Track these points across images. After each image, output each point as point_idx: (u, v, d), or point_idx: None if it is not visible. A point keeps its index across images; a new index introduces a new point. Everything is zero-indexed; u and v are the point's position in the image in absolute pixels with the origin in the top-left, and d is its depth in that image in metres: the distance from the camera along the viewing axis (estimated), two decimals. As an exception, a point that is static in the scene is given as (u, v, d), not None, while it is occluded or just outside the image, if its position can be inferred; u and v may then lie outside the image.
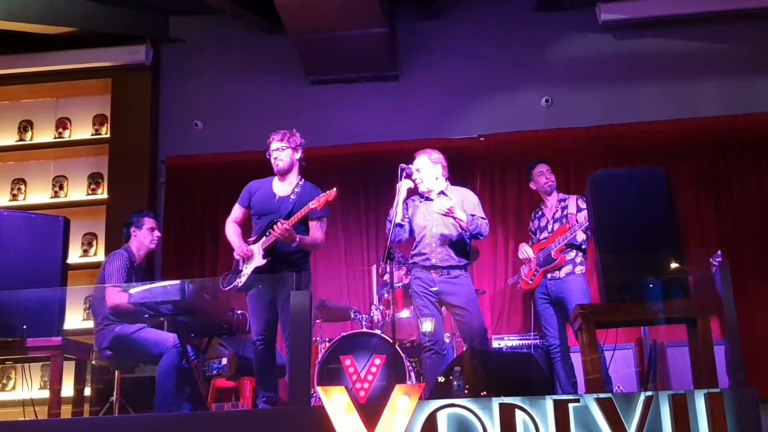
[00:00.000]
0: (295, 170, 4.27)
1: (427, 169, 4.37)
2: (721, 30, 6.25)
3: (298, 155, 4.25)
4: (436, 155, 4.43)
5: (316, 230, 4.14)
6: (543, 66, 6.42)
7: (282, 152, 4.19)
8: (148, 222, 4.64)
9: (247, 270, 4.14)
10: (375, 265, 5.65)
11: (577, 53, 6.41)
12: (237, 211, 4.34)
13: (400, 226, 4.31)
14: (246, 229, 4.37)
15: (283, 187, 4.24)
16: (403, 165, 4.26)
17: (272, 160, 4.22)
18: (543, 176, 4.92)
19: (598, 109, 6.24)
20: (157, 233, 4.68)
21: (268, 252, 4.10)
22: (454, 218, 4.22)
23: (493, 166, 6.27)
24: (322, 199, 3.99)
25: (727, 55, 6.25)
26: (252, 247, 4.19)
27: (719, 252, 3.43)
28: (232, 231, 4.29)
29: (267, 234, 4.12)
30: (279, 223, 4.01)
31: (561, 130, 6.18)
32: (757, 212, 5.87)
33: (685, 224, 5.63)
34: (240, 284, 4.15)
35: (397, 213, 4.21)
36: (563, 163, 6.07)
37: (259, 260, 4.10)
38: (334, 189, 4.01)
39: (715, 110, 6.08)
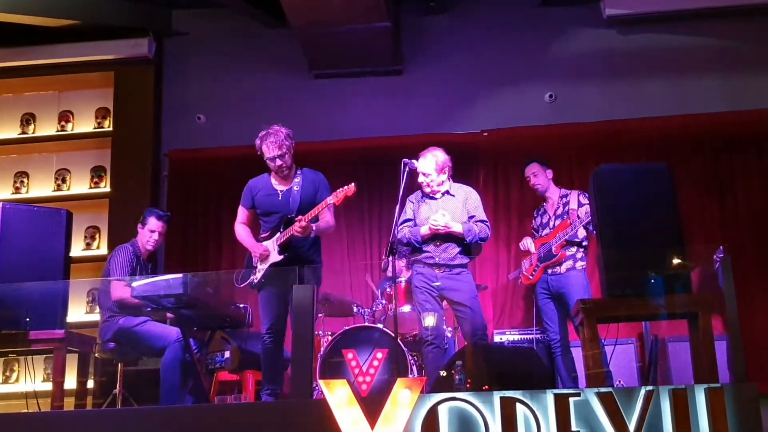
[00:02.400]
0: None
1: (435, 174, 4.35)
2: (726, 25, 6.23)
3: (292, 152, 4.23)
4: (442, 157, 4.36)
5: (325, 213, 4.16)
6: (547, 61, 6.40)
7: (282, 159, 4.17)
8: (151, 223, 4.61)
9: (263, 266, 4.16)
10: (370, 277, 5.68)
11: (581, 48, 6.39)
12: (242, 213, 4.36)
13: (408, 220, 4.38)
14: (253, 227, 4.39)
15: (283, 181, 4.25)
16: (405, 160, 4.26)
17: (272, 167, 4.20)
18: (531, 179, 4.97)
19: (602, 105, 6.22)
20: (155, 237, 4.60)
21: (283, 248, 4.12)
22: (452, 233, 4.24)
23: (496, 162, 6.26)
24: (341, 195, 4.00)
25: (732, 50, 6.22)
26: (266, 243, 4.21)
27: (721, 248, 3.43)
28: (243, 232, 4.33)
29: (281, 230, 4.15)
30: (297, 222, 4.02)
31: (565, 125, 6.17)
32: (760, 208, 5.86)
33: (687, 220, 5.61)
34: (256, 280, 4.17)
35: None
36: (567, 159, 6.06)
37: (275, 257, 4.14)
38: (353, 184, 4.02)
39: (719, 106, 6.06)
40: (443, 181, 4.40)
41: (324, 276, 5.95)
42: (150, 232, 4.60)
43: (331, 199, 4.02)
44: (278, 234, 4.16)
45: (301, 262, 4.04)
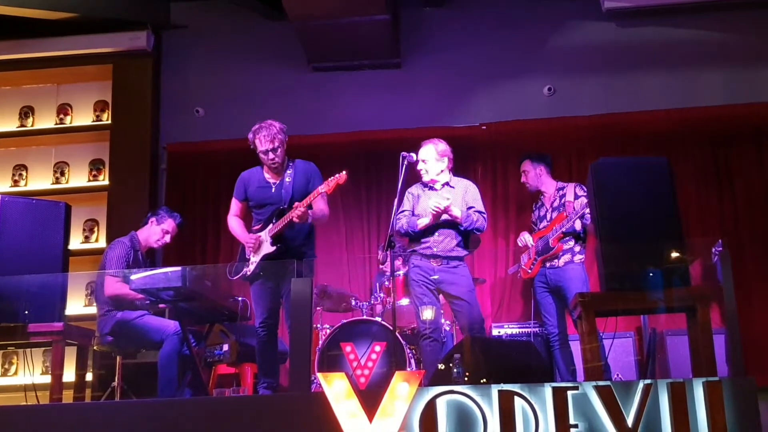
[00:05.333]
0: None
1: (433, 161, 4.38)
2: (725, 18, 6.21)
3: (285, 146, 4.23)
4: (443, 146, 4.42)
5: (319, 202, 4.16)
6: (546, 54, 6.39)
7: (275, 153, 4.17)
8: (169, 223, 4.68)
9: (255, 258, 4.15)
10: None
11: (580, 41, 6.37)
12: (235, 206, 4.36)
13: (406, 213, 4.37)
14: (246, 220, 4.38)
15: (276, 174, 4.25)
16: (404, 153, 4.26)
17: (265, 160, 4.21)
18: (522, 176, 5.01)
19: (601, 98, 6.21)
20: (167, 239, 4.71)
21: (275, 239, 4.12)
22: (450, 215, 4.25)
23: (494, 155, 6.26)
24: (332, 183, 4.00)
25: (731, 44, 6.21)
26: (259, 234, 4.20)
27: (720, 241, 3.43)
28: (236, 225, 4.32)
29: (273, 221, 4.14)
30: (294, 207, 4.01)
31: (563, 118, 6.16)
32: (759, 202, 5.86)
33: (686, 214, 5.61)
34: (248, 272, 4.17)
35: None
36: (565, 152, 6.06)
37: (268, 248, 4.13)
38: (344, 172, 4.01)
39: (718, 99, 6.05)
40: (442, 170, 4.40)
41: (322, 269, 5.98)
42: (164, 231, 4.67)
43: (322, 188, 4.02)
44: (270, 225, 4.16)
45: (294, 255, 4.04)
